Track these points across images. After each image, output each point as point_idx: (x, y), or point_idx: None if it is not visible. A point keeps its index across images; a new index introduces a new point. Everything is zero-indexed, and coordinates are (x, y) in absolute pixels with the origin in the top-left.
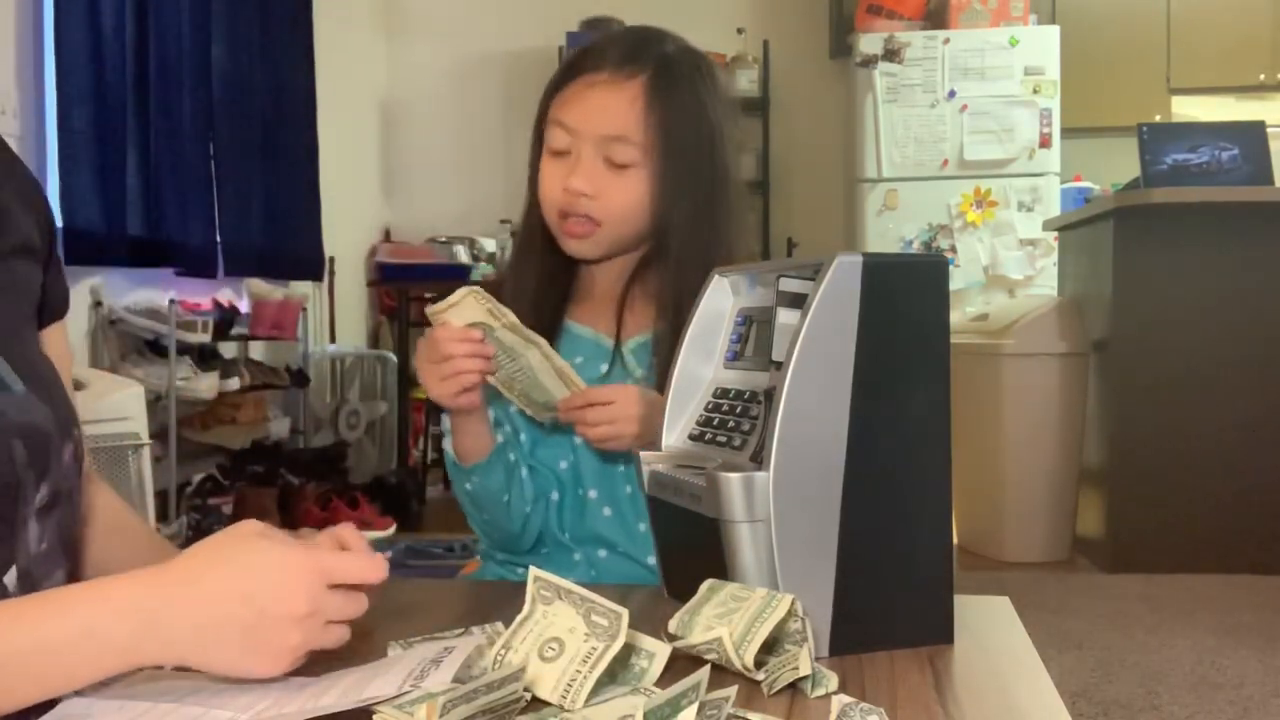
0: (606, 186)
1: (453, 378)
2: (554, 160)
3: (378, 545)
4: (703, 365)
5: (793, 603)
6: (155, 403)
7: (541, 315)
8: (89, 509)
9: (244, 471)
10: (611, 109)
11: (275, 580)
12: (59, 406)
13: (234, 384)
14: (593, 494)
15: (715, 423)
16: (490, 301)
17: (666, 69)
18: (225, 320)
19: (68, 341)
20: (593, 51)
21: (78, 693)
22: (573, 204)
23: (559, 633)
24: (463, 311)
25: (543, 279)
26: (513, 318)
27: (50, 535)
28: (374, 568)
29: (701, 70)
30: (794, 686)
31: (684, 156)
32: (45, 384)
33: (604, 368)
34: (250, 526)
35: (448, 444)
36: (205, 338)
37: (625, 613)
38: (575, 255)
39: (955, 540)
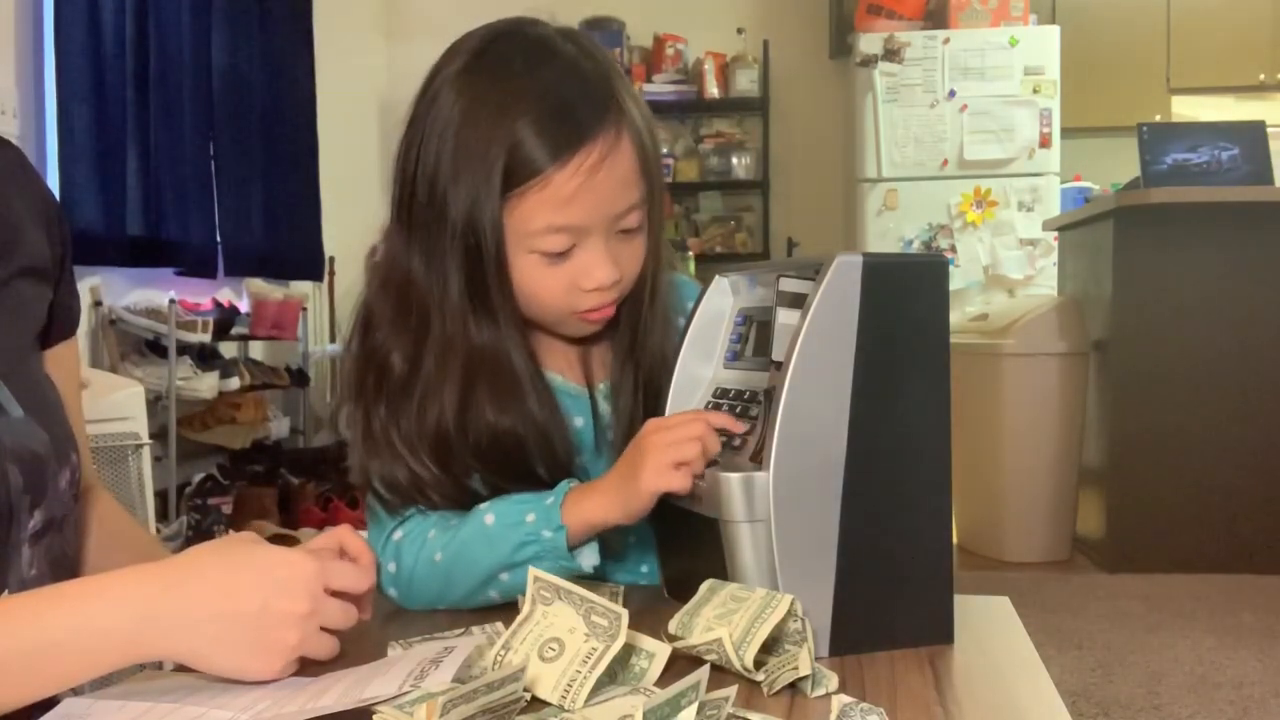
0: (623, 261)
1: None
2: (549, 264)
3: None
4: (703, 365)
5: (792, 603)
6: (155, 403)
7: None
8: (90, 520)
9: (244, 471)
10: (618, 180)
11: (279, 577)
12: (58, 432)
13: (234, 384)
14: None
15: None
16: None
17: (626, 95)
18: (225, 320)
19: (78, 358)
20: (554, 124)
21: (77, 692)
22: (595, 299)
23: (559, 633)
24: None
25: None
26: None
27: (41, 561)
28: (365, 577)
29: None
30: (794, 686)
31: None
32: (45, 408)
33: (580, 420)
34: (248, 535)
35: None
36: (205, 338)
37: (625, 613)
38: (580, 335)
39: (955, 540)
